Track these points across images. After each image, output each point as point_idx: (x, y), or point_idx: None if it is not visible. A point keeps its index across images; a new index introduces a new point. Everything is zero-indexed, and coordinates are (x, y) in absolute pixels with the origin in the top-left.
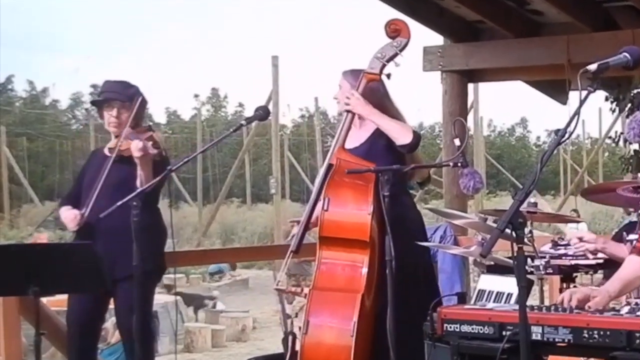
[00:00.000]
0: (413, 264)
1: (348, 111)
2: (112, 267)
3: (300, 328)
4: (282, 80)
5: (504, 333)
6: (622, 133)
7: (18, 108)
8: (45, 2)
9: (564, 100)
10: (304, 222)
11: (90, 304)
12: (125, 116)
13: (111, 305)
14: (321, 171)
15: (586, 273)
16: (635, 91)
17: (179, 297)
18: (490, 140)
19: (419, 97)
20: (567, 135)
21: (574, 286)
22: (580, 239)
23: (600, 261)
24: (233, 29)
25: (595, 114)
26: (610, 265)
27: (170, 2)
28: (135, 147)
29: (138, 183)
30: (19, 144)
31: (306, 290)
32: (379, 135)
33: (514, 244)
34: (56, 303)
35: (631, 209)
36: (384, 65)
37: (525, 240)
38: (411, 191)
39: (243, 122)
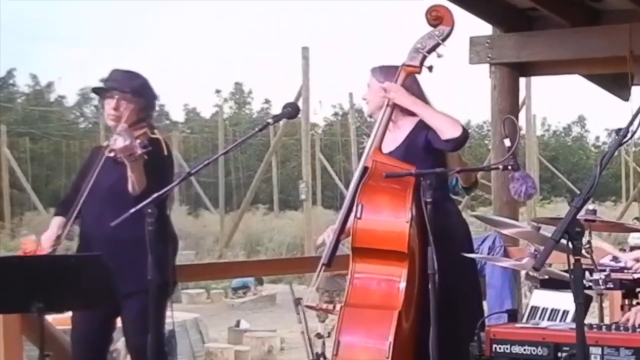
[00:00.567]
0: (458, 278)
1: (388, 105)
2: (117, 282)
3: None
4: (313, 74)
5: (559, 355)
6: None
7: (20, 105)
8: None
9: (626, 96)
10: (337, 231)
11: (96, 323)
12: (124, 109)
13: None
14: (355, 175)
15: None
16: None
17: (198, 315)
18: (544, 140)
19: (465, 93)
20: (629, 135)
21: (638, 303)
22: (638, 260)
23: None
24: (258, 17)
25: None
26: None
27: None
28: (118, 146)
29: (130, 188)
30: (21, 145)
31: (338, 307)
32: (416, 135)
33: (571, 256)
34: (62, 321)
35: None
36: (424, 57)
37: (583, 251)
38: (456, 197)
39: (270, 120)
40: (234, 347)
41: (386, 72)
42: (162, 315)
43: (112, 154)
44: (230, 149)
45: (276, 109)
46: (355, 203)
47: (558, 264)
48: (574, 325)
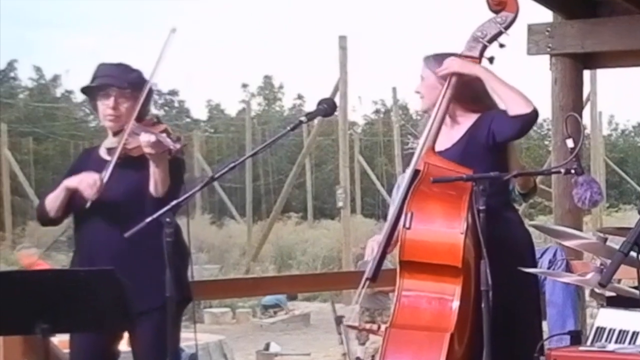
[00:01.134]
0: (516, 295)
1: (444, 96)
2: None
3: None
4: (351, 67)
5: None
6: None
7: (22, 101)
8: None
9: None
10: (383, 242)
11: (97, 345)
12: (125, 107)
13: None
14: (404, 179)
15: None
16: None
17: (223, 337)
18: (612, 141)
19: (522, 88)
20: None
21: None
22: None
23: None
24: (290, 3)
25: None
26: None
27: None
28: (146, 141)
29: (152, 188)
30: (24, 146)
31: (383, 327)
32: (477, 131)
33: None
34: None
35: None
36: (484, 47)
37: None
38: None
39: (303, 118)
40: None
41: (442, 60)
42: (179, 337)
43: (147, 150)
44: (259, 150)
45: (310, 106)
46: (404, 211)
47: (627, 279)
48: None
